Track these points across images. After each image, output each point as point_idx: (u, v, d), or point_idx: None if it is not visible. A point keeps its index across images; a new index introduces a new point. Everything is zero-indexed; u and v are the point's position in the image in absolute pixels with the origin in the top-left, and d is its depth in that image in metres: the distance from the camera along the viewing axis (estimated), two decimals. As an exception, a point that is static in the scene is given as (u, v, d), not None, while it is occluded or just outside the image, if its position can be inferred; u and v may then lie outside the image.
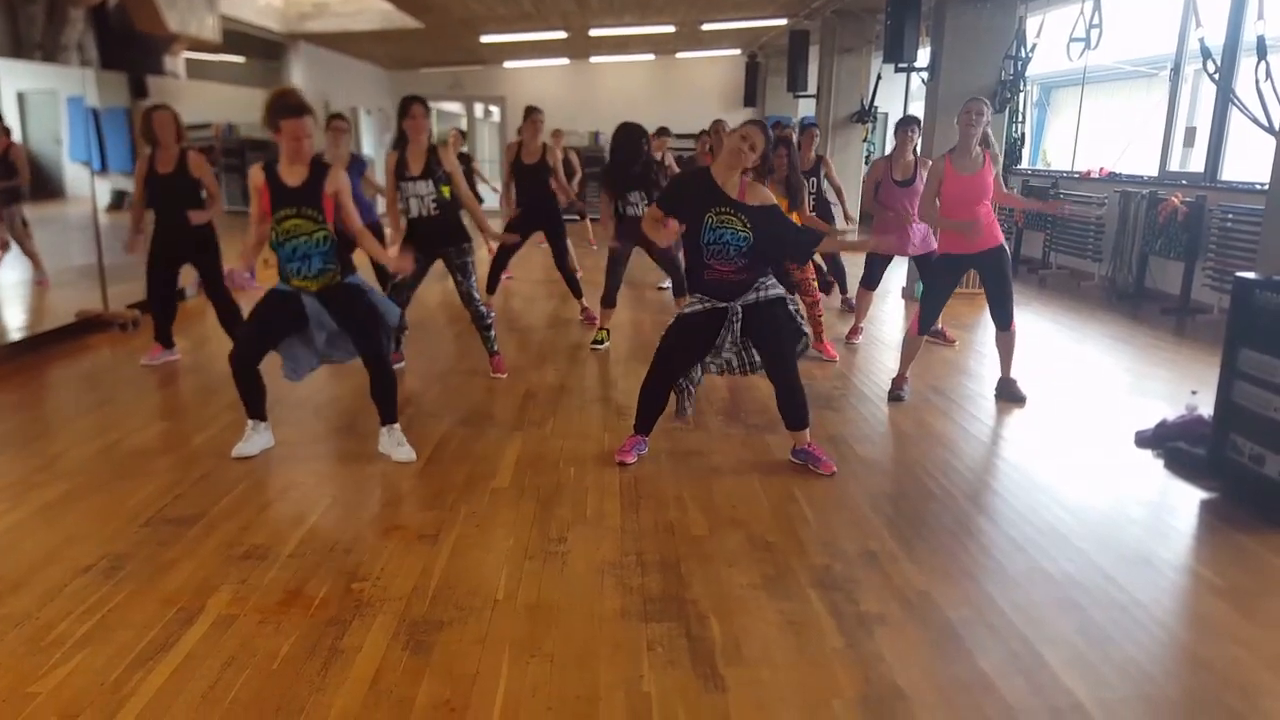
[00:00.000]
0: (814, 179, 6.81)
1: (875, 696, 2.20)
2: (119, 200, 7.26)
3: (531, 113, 6.50)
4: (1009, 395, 4.77)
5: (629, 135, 5.64)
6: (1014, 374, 4.81)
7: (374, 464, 3.75)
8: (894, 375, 4.86)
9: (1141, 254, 7.94)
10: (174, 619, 2.49)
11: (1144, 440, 4.11)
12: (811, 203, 7.08)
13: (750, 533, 3.12)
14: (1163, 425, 4.08)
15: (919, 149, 6.13)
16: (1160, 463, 3.90)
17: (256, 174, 3.59)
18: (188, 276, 5.58)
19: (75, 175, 6.84)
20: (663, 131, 9.03)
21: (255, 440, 3.81)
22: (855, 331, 6.25)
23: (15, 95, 6.43)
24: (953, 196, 4.55)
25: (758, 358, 3.69)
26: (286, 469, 3.70)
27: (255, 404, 3.81)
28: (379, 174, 5.92)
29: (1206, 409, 3.86)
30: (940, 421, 4.46)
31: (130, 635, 2.41)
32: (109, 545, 2.94)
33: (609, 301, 5.82)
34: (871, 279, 6.16)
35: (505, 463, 3.77)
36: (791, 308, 3.66)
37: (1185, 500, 3.56)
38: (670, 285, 6.49)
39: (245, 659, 2.31)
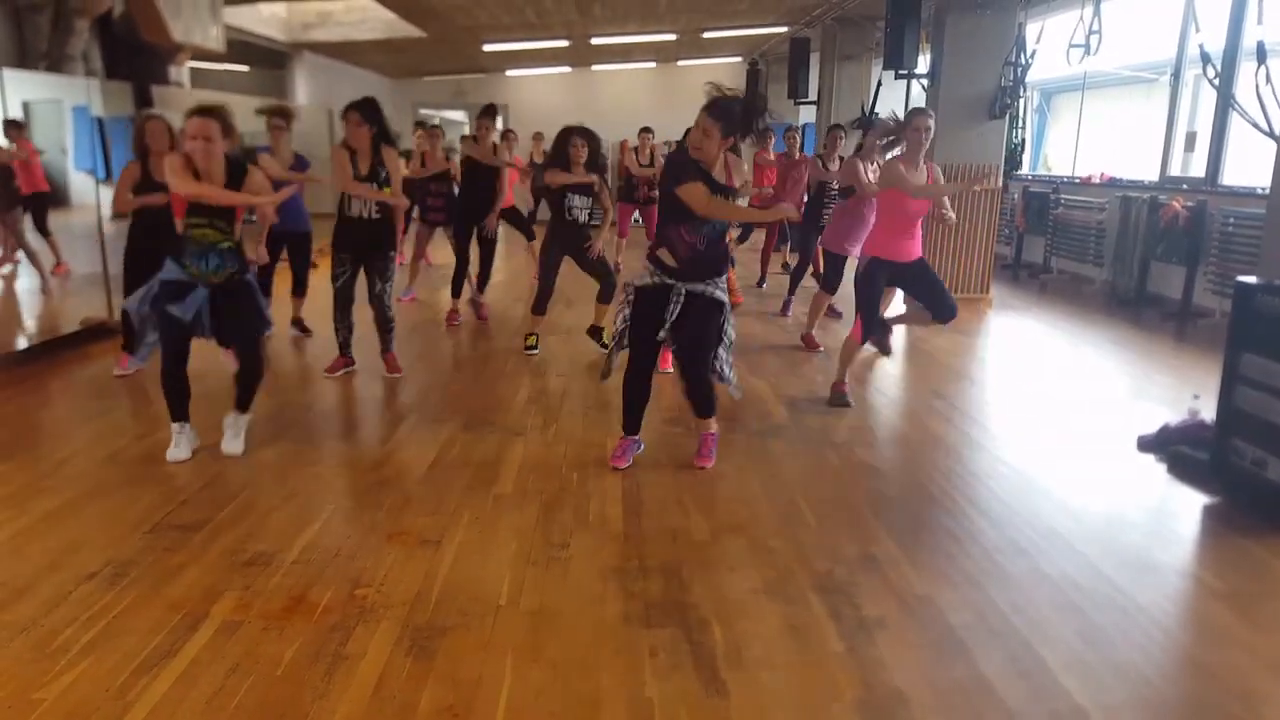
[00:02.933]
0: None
1: (876, 700, 2.21)
2: (124, 209, 7.29)
3: (482, 115, 6.62)
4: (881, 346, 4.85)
5: (558, 140, 5.55)
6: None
7: (376, 470, 3.77)
8: (835, 380, 4.83)
9: (1143, 259, 7.95)
10: (178, 625, 2.51)
11: (1146, 444, 4.11)
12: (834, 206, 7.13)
13: (751, 537, 3.13)
14: (1165, 430, 4.09)
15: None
16: (1162, 467, 3.90)
17: (178, 163, 3.59)
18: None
19: (80, 184, 6.89)
20: (645, 130, 9.24)
21: (184, 442, 3.85)
22: (811, 340, 6.11)
23: (21, 105, 6.48)
24: (897, 204, 4.57)
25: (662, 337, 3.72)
26: (289, 476, 3.71)
27: (181, 407, 3.84)
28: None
29: (1208, 413, 3.86)
30: (941, 425, 4.47)
31: (135, 642, 2.42)
32: (113, 552, 2.95)
33: (539, 309, 5.77)
34: (830, 283, 6.12)
35: (507, 468, 3.78)
36: (725, 321, 3.70)
37: (1187, 504, 3.56)
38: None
39: (249, 665, 2.32)
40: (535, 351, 5.83)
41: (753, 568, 2.90)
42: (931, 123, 4.54)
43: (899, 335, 6.53)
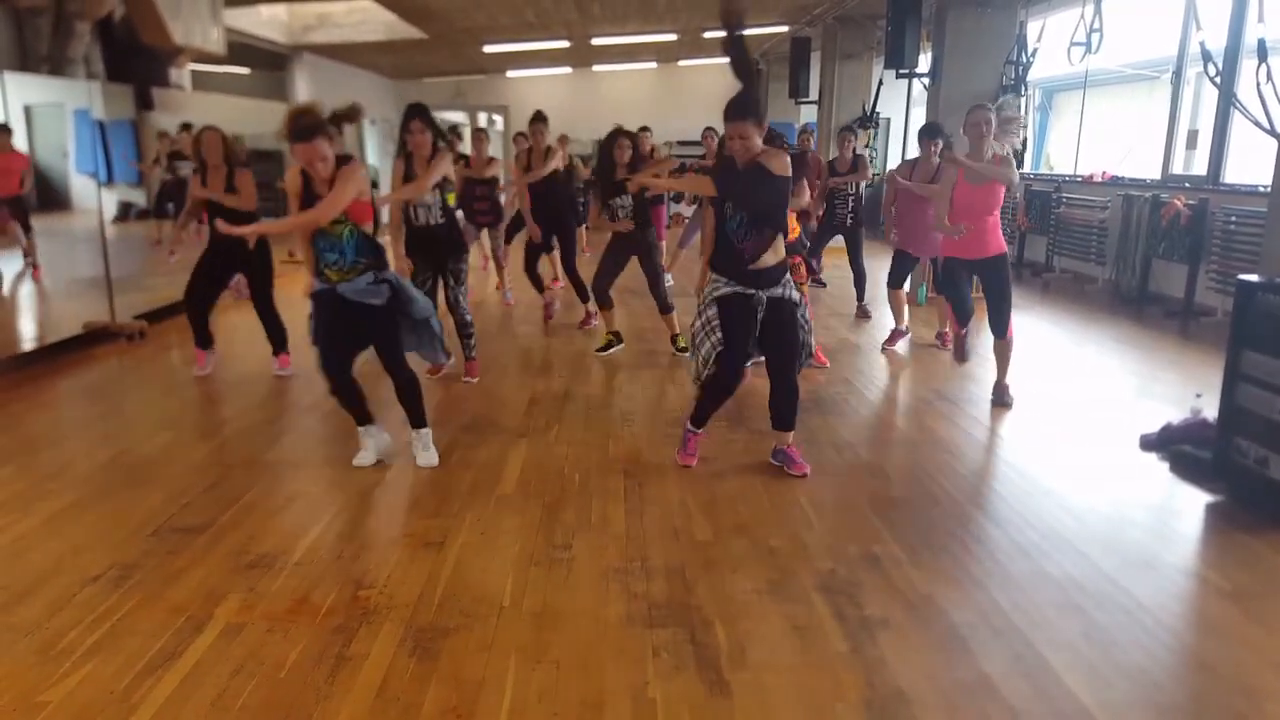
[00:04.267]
0: (855, 183, 6.99)
1: (879, 700, 2.21)
2: (125, 212, 7.32)
3: (534, 121, 6.71)
4: (1000, 400, 4.79)
5: (604, 144, 5.76)
6: (1008, 380, 4.83)
7: (380, 472, 3.77)
8: (957, 334, 5.11)
9: (1145, 257, 7.94)
10: (183, 627, 2.51)
11: (1148, 443, 4.10)
12: (851, 205, 7.19)
13: (754, 538, 3.13)
14: (1167, 428, 4.08)
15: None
16: (1165, 466, 3.89)
17: (294, 178, 3.59)
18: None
19: (82, 187, 6.90)
20: (643, 130, 9.20)
21: (371, 446, 3.82)
22: (895, 337, 6.16)
23: (22, 108, 6.49)
24: (961, 204, 4.58)
25: (755, 353, 3.74)
26: (293, 478, 3.71)
27: (358, 411, 3.80)
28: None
29: (1211, 412, 3.86)
30: (943, 425, 4.47)
31: (139, 644, 2.43)
32: (117, 554, 2.96)
33: (585, 297, 5.93)
34: (897, 277, 6.14)
35: (510, 469, 3.78)
36: (801, 315, 3.70)
37: (1190, 503, 3.55)
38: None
39: (253, 667, 2.33)
40: (608, 351, 5.87)
41: (755, 568, 2.90)
42: (990, 115, 4.52)
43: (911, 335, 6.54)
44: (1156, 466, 3.91)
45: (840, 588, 2.77)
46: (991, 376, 4.90)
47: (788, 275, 3.68)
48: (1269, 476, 3.34)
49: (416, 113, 4.70)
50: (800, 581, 2.81)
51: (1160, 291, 7.82)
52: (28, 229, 6.78)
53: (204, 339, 5.32)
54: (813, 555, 3.00)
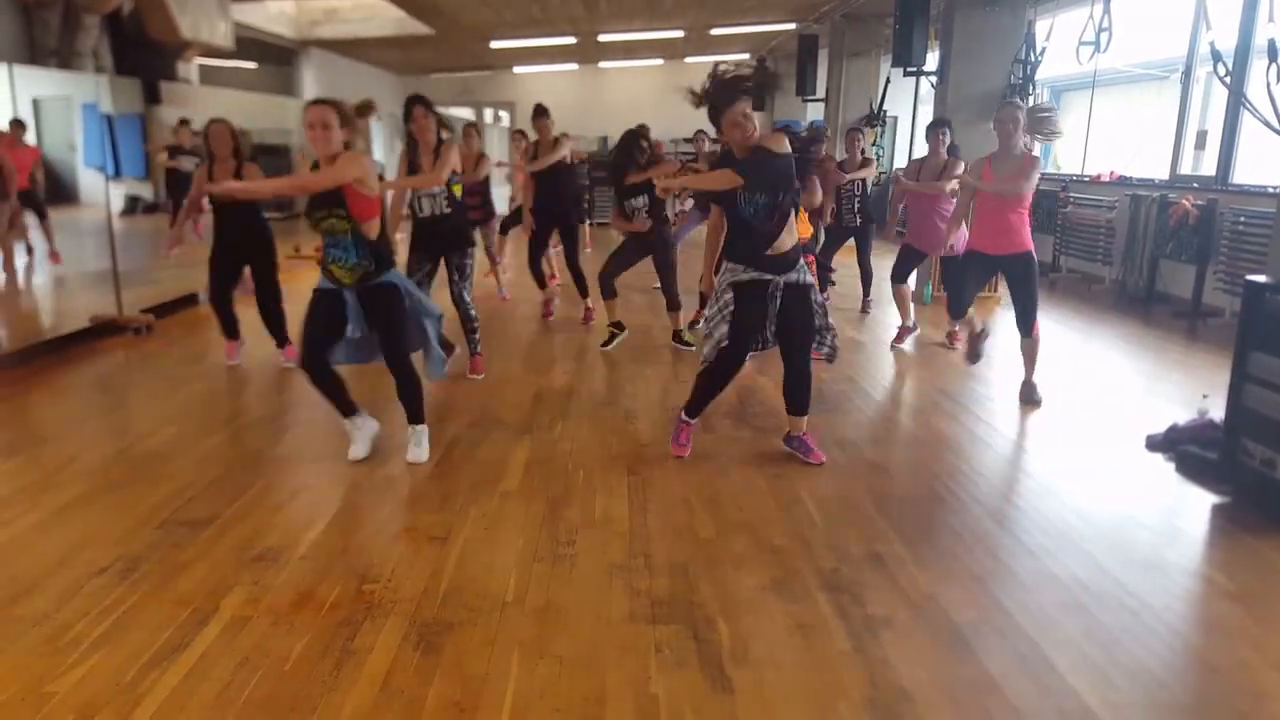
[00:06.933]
0: (861, 181, 7.00)
1: (882, 699, 2.21)
2: (133, 205, 7.34)
3: (538, 115, 6.67)
4: (1028, 399, 4.77)
5: (622, 141, 5.76)
6: (1035, 378, 4.81)
7: (385, 467, 3.78)
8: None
9: (1152, 257, 7.91)
10: (188, 620, 2.52)
11: (1154, 444, 4.09)
12: (858, 204, 7.18)
13: (758, 535, 3.13)
14: (1173, 429, 4.07)
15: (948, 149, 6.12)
16: (1171, 466, 3.89)
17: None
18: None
19: (90, 181, 6.92)
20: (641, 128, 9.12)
21: (361, 437, 3.82)
22: (903, 334, 6.14)
23: (31, 101, 6.51)
24: (987, 200, 4.58)
25: (770, 337, 3.75)
26: (298, 472, 3.72)
27: (341, 401, 3.80)
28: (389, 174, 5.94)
29: (1217, 413, 3.85)
30: (948, 425, 4.46)
31: (145, 636, 2.44)
32: (124, 547, 2.97)
33: (606, 292, 5.83)
34: (901, 272, 6.11)
35: (514, 465, 3.79)
36: (816, 300, 3.72)
37: (1196, 504, 3.55)
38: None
39: (258, 660, 2.34)
40: (613, 345, 5.89)
41: (759, 565, 2.90)
42: (1019, 114, 4.50)
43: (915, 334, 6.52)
44: (1163, 467, 3.90)
45: (843, 586, 2.77)
46: (997, 376, 4.90)
47: (802, 260, 3.71)
48: (1275, 478, 3.33)
49: (418, 100, 4.72)
50: (803, 579, 2.81)
51: (1168, 292, 7.80)
52: (43, 216, 6.81)
53: (231, 329, 5.38)
54: (816, 553, 3.00)
